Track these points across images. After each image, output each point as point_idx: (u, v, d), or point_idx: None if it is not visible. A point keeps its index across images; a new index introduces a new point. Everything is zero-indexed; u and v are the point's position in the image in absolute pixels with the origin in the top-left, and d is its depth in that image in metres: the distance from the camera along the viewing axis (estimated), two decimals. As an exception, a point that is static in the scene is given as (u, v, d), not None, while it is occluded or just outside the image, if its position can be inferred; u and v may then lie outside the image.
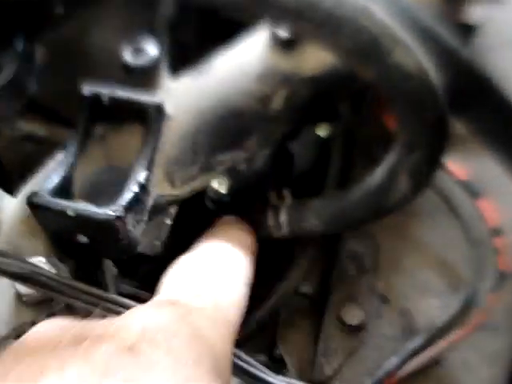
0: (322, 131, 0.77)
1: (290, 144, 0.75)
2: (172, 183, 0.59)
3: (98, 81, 0.59)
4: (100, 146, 0.58)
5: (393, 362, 0.61)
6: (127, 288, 0.71)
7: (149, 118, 0.57)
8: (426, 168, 0.51)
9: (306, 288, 0.69)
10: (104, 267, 0.65)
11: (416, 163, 0.51)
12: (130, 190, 0.54)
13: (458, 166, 0.62)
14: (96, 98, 0.58)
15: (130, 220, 0.53)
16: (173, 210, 0.73)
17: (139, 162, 0.56)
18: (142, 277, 0.73)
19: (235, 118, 0.59)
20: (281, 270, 0.68)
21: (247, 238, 0.61)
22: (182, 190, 0.60)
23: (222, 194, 0.74)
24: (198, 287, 0.51)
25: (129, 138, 0.58)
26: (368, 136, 0.73)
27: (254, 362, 0.53)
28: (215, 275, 0.54)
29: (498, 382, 0.63)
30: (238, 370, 0.51)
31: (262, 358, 0.70)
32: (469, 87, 0.49)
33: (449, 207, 0.64)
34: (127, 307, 0.51)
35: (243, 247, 0.58)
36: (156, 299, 0.49)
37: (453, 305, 0.65)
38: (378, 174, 0.56)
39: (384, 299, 0.66)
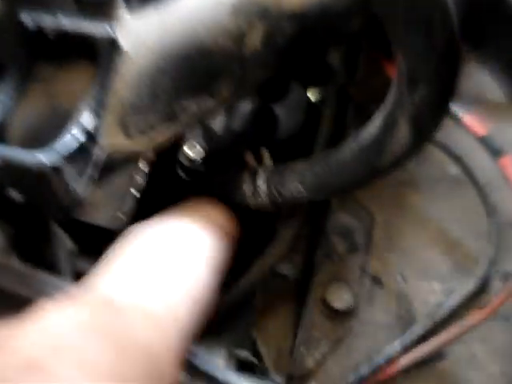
0: (313, 95, 0.68)
1: (274, 106, 0.66)
2: (127, 132, 0.50)
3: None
4: (43, 86, 0.49)
5: (395, 347, 0.51)
6: (87, 267, 0.62)
7: (100, 54, 0.48)
8: (432, 110, 0.42)
9: (288, 269, 0.59)
10: (54, 239, 0.56)
11: (419, 103, 0.41)
12: (71, 136, 0.45)
13: (475, 120, 0.52)
14: (39, 32, 0.48)
15: (68, 171, 0.44)
16: (139, 179, 0.64)
17: (85, 104, 0.46)
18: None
19: (203, 56, 0.49)
20: (260, 248, 0.59)
21: (222, 218, 0.52)
22: (140, 142, 0.51)
23: (196, 161, 0.65)
24: (141, 279, 0.43)
25: (76, 77, 0.49)
26: (365, 95, 0.63)
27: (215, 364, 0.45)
28: (168, 263, 0.45)
29: (509, 380, 0.53)
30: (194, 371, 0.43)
31: (244, 353, 0.60)
32: (487, 9, 0.39)
33: (462, 169, 0.55)
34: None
35: (215, 228, 0.50)
36: (83, 295, 0.40)
37: (458, 289, 0.55)
38: (373, 125, 0.47)
39: (377, 281, 0.56)
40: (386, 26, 0.39)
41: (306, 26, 0.51)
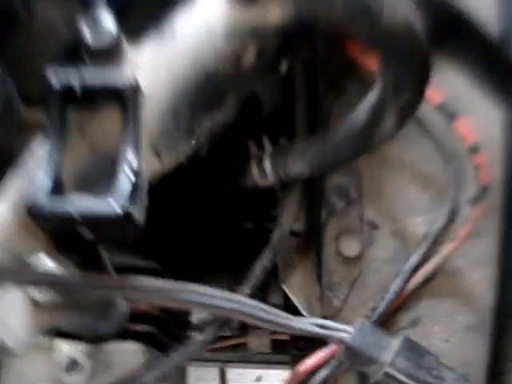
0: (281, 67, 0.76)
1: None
2: (159, 156, 0.59)
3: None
4: (79, 134, 0.56)
5: (397, 282, 0.65)
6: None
7: (125, 99, 0.55)
8: (414, 104, 0.52)
9: (297, 226, 0.71)
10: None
11: (404, 103, 0.52)
12: (129, 180, 0.53)
13: (431, 89, 0.63)
14: (67, 89, 0.55)
15: (135, 211, 0.53)
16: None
17: (127, 148, 0.54)
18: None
19: (210, 81, 0.58)
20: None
21: None
22: (169, 159, 0.60)
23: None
24: None
25: (108, 122, 0.56)
26: (332, 68, 0.73)
27: (276, 311, 0.56)
28: None
29: (489, 284, 0.67)
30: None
31: (244, 289, 0.73)
32: (446, 24, 0.50)
33: (422, 129, 0.67)
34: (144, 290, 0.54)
35: None
36: None
37: (438, 219, 0.68)
38: (362, 115, 0.57)
39: (374, 225, 0.69)
40: (380, 62, 0.49)
41: (288, 37, 0.60)
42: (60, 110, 0.55)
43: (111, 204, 0.51)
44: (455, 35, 0.51)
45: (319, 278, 0.68)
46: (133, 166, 0.54)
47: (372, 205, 0.69)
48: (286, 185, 0.69)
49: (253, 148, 0.67)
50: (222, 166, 0.69)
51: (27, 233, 0.57)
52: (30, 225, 0.56)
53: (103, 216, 0.51)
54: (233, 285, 0.72)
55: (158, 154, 0.58)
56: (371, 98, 0.56)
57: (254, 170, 0.66)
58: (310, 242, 0.70)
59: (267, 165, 0.65)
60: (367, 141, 0.58)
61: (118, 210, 0.51)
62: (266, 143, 0.67)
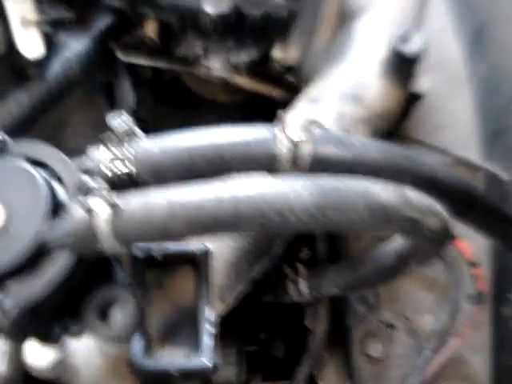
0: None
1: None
2: (223, 300, 0.70)
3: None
4: (159, 291, 0.68)
5: (416, 375, 0.79)
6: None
7: (199, 262, 0.66)
8: (436, 254, 0.66)
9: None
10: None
11: (426, 258, 0.65)
12: (210, 335, 0.64)
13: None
14: (149, 255, 0.66)
15: (218, 358, 0.64)
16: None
17: (205, 306, 0.65)
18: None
19: (262, 239, 0.70)
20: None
21: None
22: (230, 300, 0.72)
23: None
24: None
25: (183, 280, 0.68)
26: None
27: None
28: None
29: (487, 365, 0.82)
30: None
31: (253, 348, 0.87)
32: (464, 202, 0.63)
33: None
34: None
35: None
36: None
37: (443, 316, 0.82)
38: (388, 256, 0.70)
39: (392, 326, 0.82)
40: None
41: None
42: (142, 273, 0.67)
43: (203, 361, 0.63)
44: (471, 209, 0.64)
45: (350, 375, 0.81)
46: (211, 321, 0.65)
47: (388, 308, 0.83)
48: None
49: (290, 273, 0.79)
50: (262, 285, 0.81)
51: (118, 376, 0.68)
52: (120, 368, 0.67)
53: (197, 371, 0.63)
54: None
55: (222, 298, 0.70)
56: (397, 245, 0.69)
57: (291, 290, 0.78)
58: (337, 342, 0.83)
59: (303, 287, 0.78)
60: (392, 275, 0.71)
61: (210, 365, 0.62)
62: (301, 268, 0.79)
